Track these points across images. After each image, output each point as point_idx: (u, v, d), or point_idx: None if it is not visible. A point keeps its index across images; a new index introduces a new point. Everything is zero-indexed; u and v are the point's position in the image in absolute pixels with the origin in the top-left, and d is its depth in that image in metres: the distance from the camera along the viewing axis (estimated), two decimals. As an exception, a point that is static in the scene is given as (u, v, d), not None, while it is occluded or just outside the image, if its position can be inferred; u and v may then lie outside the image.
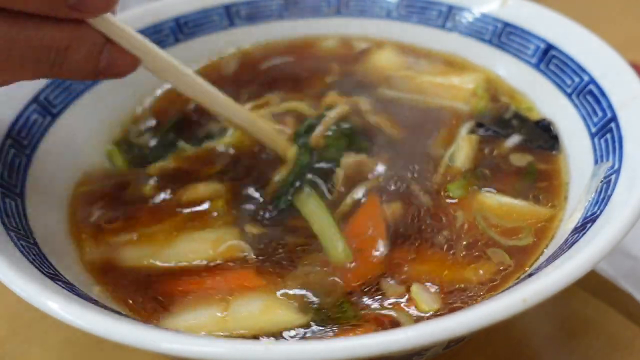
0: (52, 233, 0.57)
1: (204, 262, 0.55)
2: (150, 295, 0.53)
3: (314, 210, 0.58)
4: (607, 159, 0.55)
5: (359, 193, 0.59)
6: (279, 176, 0.61)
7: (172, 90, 0.70)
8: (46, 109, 0.64)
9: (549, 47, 0.67)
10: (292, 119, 0.67)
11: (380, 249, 0.55)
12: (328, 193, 0.60)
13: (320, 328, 0.49)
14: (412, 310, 0.50)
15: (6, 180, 0.57)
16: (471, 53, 0.74)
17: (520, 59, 0.70)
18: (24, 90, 0.63)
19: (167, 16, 0.74)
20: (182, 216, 0.59)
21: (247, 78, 0.75)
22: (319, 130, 0.63)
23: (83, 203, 0.61)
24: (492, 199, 0.58)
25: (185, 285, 0.53)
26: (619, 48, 0.62)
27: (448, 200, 0.59)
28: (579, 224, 0.51)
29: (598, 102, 0.60)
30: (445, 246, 0.55)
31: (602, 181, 0.53)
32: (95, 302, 0.47)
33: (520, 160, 0.63)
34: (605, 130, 0.57)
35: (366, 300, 0.51)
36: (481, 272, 0.53)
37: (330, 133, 0.64)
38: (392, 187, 0.59)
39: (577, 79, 0.63)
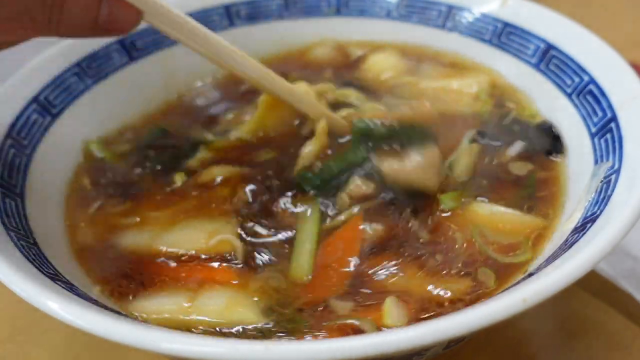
0: (52, 233, 0.57)
1: (192, 252, 0.55)
2: (128, 274, 0.54)
3: (306, 219, 0.57)
4: (607, 159, 0.55)
5: (352, 210, 0.57)
6: (308, 148, 0.60)
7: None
8: (46, 109, 0.64)
9: (549, 47, 0.67)
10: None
11: (349, 269, 0.53)
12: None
13: (280, 333, 0.49)
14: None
15: (6, 180, 0.57)
16: (471, 53, 0.74)
17: (520, 59, 0.70)
18: (24, 90, 0.63)
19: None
20: (188, 203, 0.60)
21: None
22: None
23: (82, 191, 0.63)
24: (485, 211, 0.57)
25: (162, 270, 0.54)
26: (619, 48, 0.62)
27: (442, 214, 0.57)
28: (579, 224, 0.51)
29: (598, 102, 0.60)
30: (429, 264, 0.53)
31: (602, 181, 0.53)
32: (95, 302, 0.47)
33: (520, 169, 0.61)
34: (605, 130, 0.57)
35: (316, 315, 0.50)
36: (457, 291, 0.51)
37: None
38: (384, 202, 0.57)
39: (577, 79, 0.63)
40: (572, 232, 0.51)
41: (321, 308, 0.51)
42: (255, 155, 0.64)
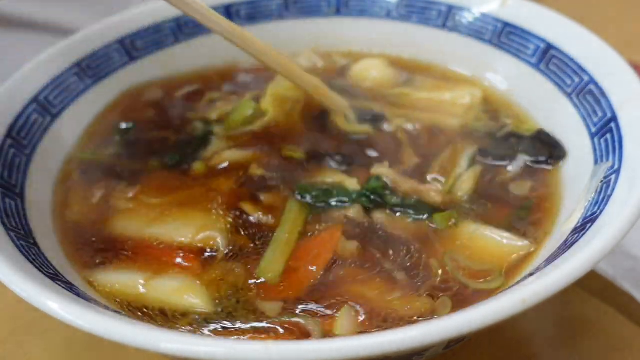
0: (52, 233, 0.57)
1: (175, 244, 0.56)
2: (100, 249, 0.57)
3: (290, 219, 0.57)
4: (607, 159, 0.55)
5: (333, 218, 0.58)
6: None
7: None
8: (46, 109, 0.64)
9: (549, 47, 0.67)
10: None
11: (314, 276, 0.53)
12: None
13: (225, 323, 0.50)
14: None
15: (6, 180, 0.57)
16: (471, 53, 0.74)
17: (520, 59, 0.70)
18: (24, 90, 0.63)
19: (167, 16, 0.74)
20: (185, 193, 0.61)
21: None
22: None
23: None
24: (465, 234, 0.56)
25: (131, 247, 0.57)
26: (619, 48, 0.62)
27: (430, 233, 0.56)
28: (579, 224, 0.51)
29: (598, 102, 0.60)
30: (397, 281, 0.53)
31: (602, 181, 0.53)
32: (95, 302, 0.47)
33: (520, 188, 0.60)
34: (605, 130, 0.57)
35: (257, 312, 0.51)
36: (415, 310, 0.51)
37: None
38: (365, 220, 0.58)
39: (577, 79, 0.63)
40: (572, 232, 0.51)
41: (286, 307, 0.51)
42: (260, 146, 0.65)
